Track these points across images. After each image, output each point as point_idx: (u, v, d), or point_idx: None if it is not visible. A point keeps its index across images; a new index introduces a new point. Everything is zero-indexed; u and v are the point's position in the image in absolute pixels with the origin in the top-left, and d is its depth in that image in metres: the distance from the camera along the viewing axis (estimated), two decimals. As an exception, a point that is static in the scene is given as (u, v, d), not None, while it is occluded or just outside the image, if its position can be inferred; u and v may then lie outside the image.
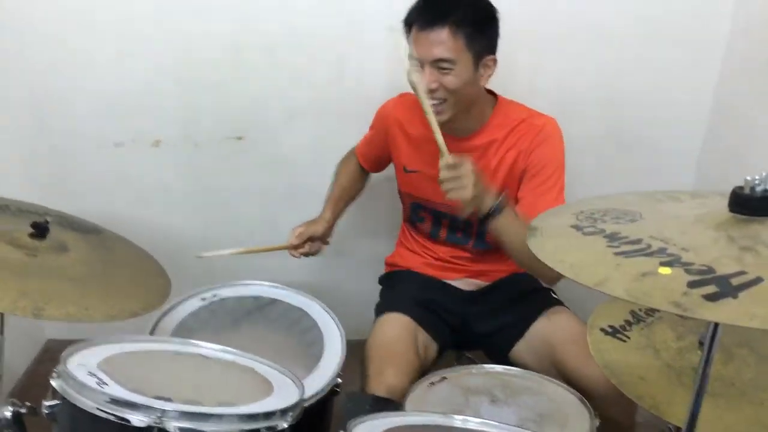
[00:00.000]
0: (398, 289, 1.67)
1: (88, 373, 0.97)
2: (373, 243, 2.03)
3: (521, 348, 1.52)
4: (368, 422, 1.03)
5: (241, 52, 1.85)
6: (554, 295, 1.60)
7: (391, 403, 1.30)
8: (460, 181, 1.27)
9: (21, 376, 2.02)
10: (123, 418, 0.91)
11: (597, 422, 1.24)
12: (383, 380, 1.37)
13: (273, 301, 1.54)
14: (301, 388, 1.11)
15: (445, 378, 1.36)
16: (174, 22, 1.81)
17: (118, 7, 1.79)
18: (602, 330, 1.21)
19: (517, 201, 1.50)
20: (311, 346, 1.40)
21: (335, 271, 2.07)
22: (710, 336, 0.76)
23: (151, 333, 1.37)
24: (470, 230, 1.62)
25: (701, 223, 0.77)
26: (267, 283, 1.58)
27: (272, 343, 1.41)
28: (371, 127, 1.72)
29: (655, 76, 1.87)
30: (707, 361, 0.80)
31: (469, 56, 1.39)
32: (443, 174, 1.28)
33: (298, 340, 1.42)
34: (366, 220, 2.05)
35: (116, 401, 0.92)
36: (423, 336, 1.51)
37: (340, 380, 1.31)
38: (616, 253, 0.73)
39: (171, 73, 1.86)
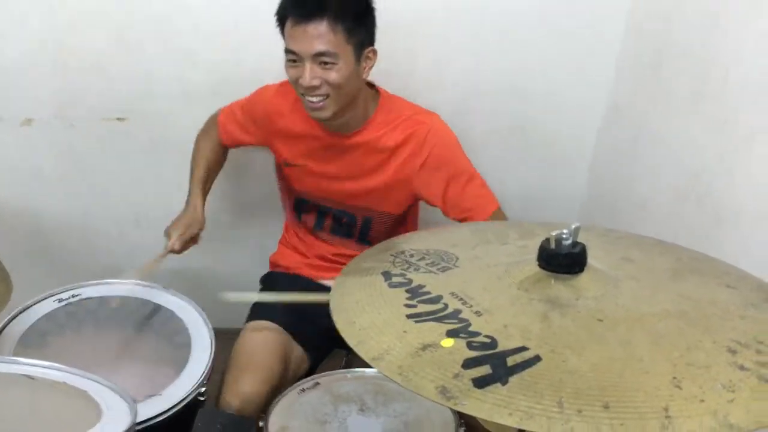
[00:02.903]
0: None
1: None
2: (259, 229, 1.97)
3: None
4: None
5: (124, 30, 1.71)
6: None
7: (246, 421, 1.25)
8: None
9: None
10: None
11: (462, 430, 1.21)
12: (238, 389, 1.33)
13: (140, 301, 1.44)
14: (134, 413, 1.04)
15: (318, 384, 1.31)
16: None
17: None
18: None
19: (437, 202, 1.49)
20: (180, 350, 1.31)
21: (218, 258, 1.99)
22: None
23: (-5, 340, 1.28)
24: (354, 225, 1.56)
25: (508, 278, 0.70)
26: (133, 281, 1.47)
27: (137, 347, 1.33)
28: (244, 109, 1.58)
29: (554, 73, 1.83)
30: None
31: (350, 49, 1.31)
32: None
33: (167, 344, 1.34)
34: (253, 206, 1.97)
35: None
36: (295, 348, 1.48)
37: (204, 389, 1.24)
38: (409, 316, 0.65)
39: (44, 50, 1.71)
